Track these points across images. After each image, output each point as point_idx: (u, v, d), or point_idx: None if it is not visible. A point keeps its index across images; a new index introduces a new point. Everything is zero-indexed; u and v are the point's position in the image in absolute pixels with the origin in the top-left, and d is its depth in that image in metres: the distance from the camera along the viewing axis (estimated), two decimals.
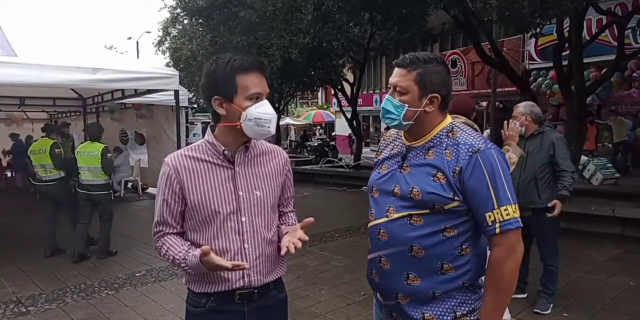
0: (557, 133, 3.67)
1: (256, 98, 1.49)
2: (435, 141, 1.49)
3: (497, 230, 1.38)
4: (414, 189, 1.44)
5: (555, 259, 3.66)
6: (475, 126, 2.47)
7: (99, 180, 5.35)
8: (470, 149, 1.41)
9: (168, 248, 1.54)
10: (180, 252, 1.51)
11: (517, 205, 1.41)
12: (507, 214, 1.38)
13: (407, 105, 1.47)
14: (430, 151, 1.48)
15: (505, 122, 3.33)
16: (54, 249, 5.54)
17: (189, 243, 1.56)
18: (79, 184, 5.38)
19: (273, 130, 1.54)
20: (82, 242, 5.38)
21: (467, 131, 1.48)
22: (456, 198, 1.40)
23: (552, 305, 3.70)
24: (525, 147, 3.54)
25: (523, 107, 3.62)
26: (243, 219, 1.54)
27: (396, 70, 1.50)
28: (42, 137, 5.96)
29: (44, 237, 5.62)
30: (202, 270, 1.46)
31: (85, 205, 5.36)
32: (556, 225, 3.60)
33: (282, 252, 1.48)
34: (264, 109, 1.49)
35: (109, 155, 5.39)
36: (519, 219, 1.40)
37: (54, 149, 5.53)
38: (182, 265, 1.51)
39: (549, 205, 3.38)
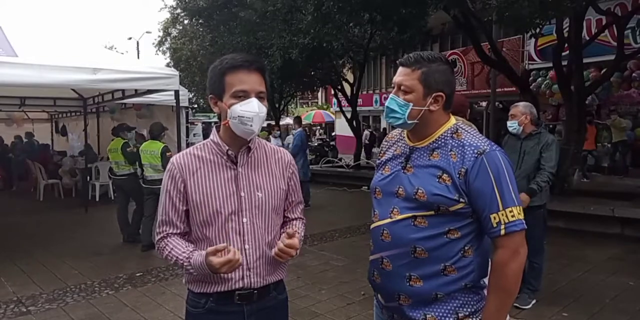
0: (552, 136, 3.76)
1: (242, 96, 1.48)
2: (439, 142, 1.48)
3: (502, 232, 1.38)
4: (419, 191, 1.43)
5: (539, 257, 3.69)
6: (474, 126, 2.47)
7: (161, 175, 5.52)
8: (475, 151, 1.41)
9: (172, 248, 1.54)
10: (184, 252, 1.51)
11: (521, 207, 1.41)
12: (512, 216, 1.38)
13: (411, 104, 1.46)
14: (435, 152, 1.47)
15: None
16: (129, 234, 6.08)
17: (193, 245, 1.56)
18: (144, 179, 5.76)
19: (256, 128, 1.49)
20: (147, 233, 5.63)
21: (471, 132, 1.48)
22: (461, 200, 1.40)
23: (534, 301, 3.73)
24: (522, 146, 3.65)
25: (523, 107, 3.69)
26: (244, 219, 1.54)
27: (400, 69, 1.50)
28: (113, 137, 6.63)
29: (120, 225, 6.22)
30: (205, 270, 1.45)
31: (149, 198, 5.69)
32: (543, 224, 3.65)
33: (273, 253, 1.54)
34: (247, 107, 1.47)
35: (168, 154, 5.62)
36: (524, 221, 1.40)
37: (125, 148, 6.17)
38: (185, 264, 1.50)
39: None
